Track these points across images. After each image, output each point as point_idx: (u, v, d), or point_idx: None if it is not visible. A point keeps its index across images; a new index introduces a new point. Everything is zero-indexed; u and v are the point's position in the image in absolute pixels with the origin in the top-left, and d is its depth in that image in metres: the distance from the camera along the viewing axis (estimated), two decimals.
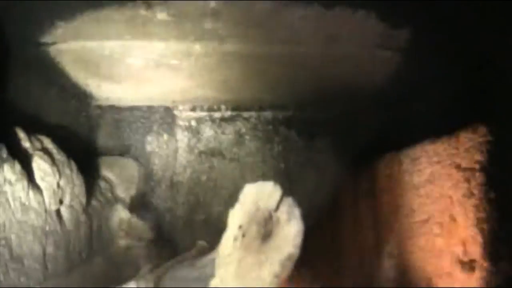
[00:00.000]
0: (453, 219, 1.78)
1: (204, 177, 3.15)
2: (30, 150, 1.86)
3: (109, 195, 2.59)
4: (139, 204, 2.77)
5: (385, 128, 2.73)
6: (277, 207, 1.59)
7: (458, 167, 1.75)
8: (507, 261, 1.49)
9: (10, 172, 1.64)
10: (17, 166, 1.69)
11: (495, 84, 1.62)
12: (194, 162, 3.16)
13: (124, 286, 1.80)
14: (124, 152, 3.02)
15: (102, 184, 2.60)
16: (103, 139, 3.00)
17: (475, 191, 1.63)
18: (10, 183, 1.63)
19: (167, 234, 2.98)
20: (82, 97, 2.76)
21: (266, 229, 1.56)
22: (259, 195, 1.61)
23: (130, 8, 1.71)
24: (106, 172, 2.73)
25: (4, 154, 1.63)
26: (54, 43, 2.04)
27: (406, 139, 2.27)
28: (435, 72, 2.05)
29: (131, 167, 2.89)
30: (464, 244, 1.69)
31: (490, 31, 1.60)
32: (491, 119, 1.59)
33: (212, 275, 1.60)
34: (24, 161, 1.77)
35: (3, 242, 1.60)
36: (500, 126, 1.55)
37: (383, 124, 2.75)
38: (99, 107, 2.97)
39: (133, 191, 2.78)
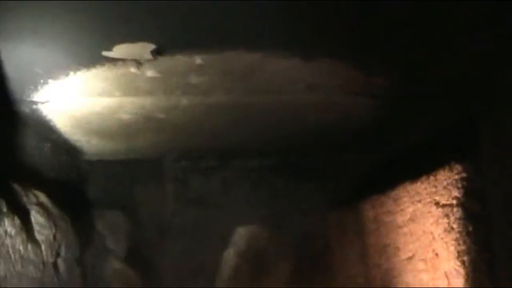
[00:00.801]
0: (436, 254, 1.87)
1: (191, 225, 3.20)
2: (27, 205, 1.92)
3: (101, 247, 2.64)
4: (129, 254, 2.81)
5: (367, 170, 2.83)
6: (267, 248, 1.67)
7: (437, 204, 1.84)
8: None
9: (10, 225, 1.70)
10: (17, 220, 1.75)
11: (468, 125, 1.72)
12: (181, 210, 3.22)
13: None
14: (113, 203, 3.08)
15: (94, 236, 2.65)
16: (92, 192, 3.06)
17: (454, 226, 1.72)
18: (10, 236, 1.69)
19: (156, 283, 3.01)
20: (72, 152, 2.83)
21: (257, 269, 1.64)
22: (250, 235, 1.69)
23: (121, 66, 1.78)
24: (97, 225, 2.78)
25: (4, 208, 1.69)
26: (46, 101, 2.10)
27: (388, 180, 2.38)
28: (412, 116, 2.15)
29: (120, 219, 2.95)
30: (447, 277, 1.77)
31: (465, 79, 1.71)
32: (466, 158, 1.69)
33: None
34: (22, 215, 1.83)
35: None
36: (474, 164, 1.65)
37: (366, 167, 2.86)
38: (89, 162, 3.04)
39: (123, 242, 2.83)
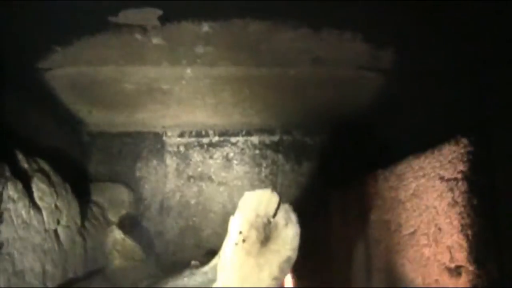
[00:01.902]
0: (438, 228, 1.86)
1: (193, 201, 3.21)
2: (29, 171, 1.91)
3: (101, 218, 2.64)
4: (130, 228, 2.82)
5: (371, 147, 2.82)
6: (275, 213, 1.67)
7: (442, 178, 1.83)
8: (492, 263, 1.56)
9: (13, 190, 1.69)
10: (19, 185, 1.74)
11: (477, 99, 1.71)
12: (183, 186, 3.22)
13: None
14: (114, 177, 3.08)
15: (94, 208, 2.65)
16: (93, 165, 3.06)
17: (459, 200, 1.70)
18: (13, 200, 1.68)
19: (157, 256, 3.02)
20: (74, 123, 2.82)
21: (265, 234, 1.64)
22: (258, 202, 1.69)
23: (126, 33, 1.77)
24: (97, 197, 2.78)
25: (8, 173, 1.69)
26: (49, 69, 2.09)
27: (392, 156, 2.37)
28: (418, 91, 2.14)
29: (121, 192, 2.95)
30: (450, 251, 1.76)
31: (471, 51, 1.70)
32: (472, 131, 1.68)
33: (214, 280, 1.67)
34: (25, 180, 1.82)
35: (6, 257, 1.64)
36: (480, 138, 1.64)
37: (369, 144, 2.85)
38: (90, 133, 3.04)
39: (123, 215, 2.83)
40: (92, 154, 3.07)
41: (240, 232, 1.65)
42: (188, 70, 2.12)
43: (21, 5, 1.57)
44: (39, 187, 1.91)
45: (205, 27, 1.73)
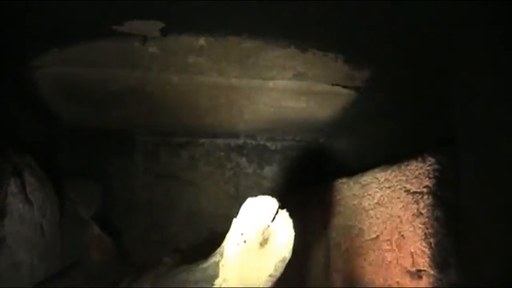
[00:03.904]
0: (402, 235, 2.04)
1: (160, 199, 3.32)
2: (20, 166, 1.99)
3: (75, 213, 2.71)
4: (100, 223, 2.90)
5: (335, 157, 3.00)
6: (274, 218, 1.85)
7: (407, 191, 2.02)
8: (452, 268, 1.76)
9: (14, 185, 1.78)
10: (18, 180, 1.83)
11: (442, 119, 1.90)
12: (151, 184, 3.33)
13: None
14: (85, 173, 3.14)
15: (68, 203, 2.72)
16: (65, 160, 3.11)
17: (423, 211, 1.89)
18: (13, 195, 1.77)
19: (124, 252, 3.11)
20: (50, 119, 2.86)
21: (263, 236, 1.81)
22: (259, 206, 1.85)
23: (125, 40, 1.87)
24: (70, 192, 2.85)
25: (10, 168, 1.77)
26: (40, 67, 2.14)
27: (357, 167, 2.54)
28: (386, 107, 2.32)
29: (92, 188, 3.02)
30: (412, 256, 1.94)
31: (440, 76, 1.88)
32: (439, 150, 1.87)
33: (215, 276, 1.82)
34: (19, 175, 1.90)
35: (5, 250, 1.73)
36: (446, 156, 1.82)
37: (334, 154, 3.03)
38: (63, 129, 3.08)
39: (94, 211, 2.91)
40: (65, 150, 3.12)
41: (242, 234, 1.81)
42: (175, 78, 2.23)
43: (27, 5, 1.62)
44: (30, 181, 1.99)
45: (202, 41, 1.85)
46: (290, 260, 3.02)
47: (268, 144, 3.43)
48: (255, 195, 3.34)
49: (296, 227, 1.98)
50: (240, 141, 3.43)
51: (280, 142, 3.41)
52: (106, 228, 2.96)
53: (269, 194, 3.32)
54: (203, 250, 2.22)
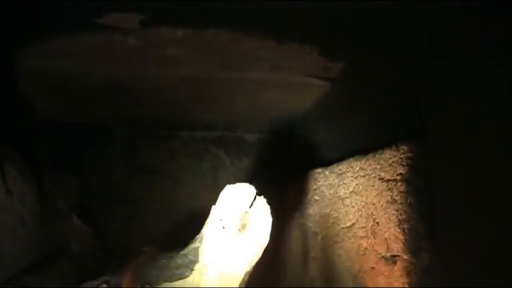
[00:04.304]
0: (376, 222, 2.10)
1: (139, 191, 3.35)
2: (1, 158, 2.01)
3: (54, 205, 2.73)
4: (80, 216, 2.92)
5: (311, 147, 3.05)
6: (251, 204, 1.91)
7: (381, 179, 2.08)
8: (425, 253, 1.82)
9: None
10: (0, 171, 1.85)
11: (415, 109, 1.96)
12: (129, 177, 3.35)
13: (98, 282, 2.00)
14: (64, 166, 3.15)
15: (47, 195, 2.74)
16: (43, 153, 3.12)
17: (397, 198, 1.95)
18: None
19: (104, 243, 3.14)
20: (28, 112, 2.87)
21: (242, 222, 1.87)
22: (237, 193, 1.91)
23: (105, 33, 1.89)
24: (49, 185, 2.86)
25: None
26: (19, 59, 2.15)
27: (332, 156, 2.60)
28: (361, 98, 2.38)
29: (71, 181, 3.04)
30: (387, 242, 2.01)
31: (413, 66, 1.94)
32: (412, 138, 1.93)
33: (195, 261, 1.87)
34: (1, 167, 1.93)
35: None
36: (420, 144, 1.89)
37: (309, 144, 3.08)
38: (42, 122, 3.09)
39: (74, 204, 2.93)
40: (44, 142, 3.13)
41: (221, 220, 1.86)
42: (153, 70, 2.25)
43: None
44: (11, 173, 2.01)
45: (180, 33, 1.88)
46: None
47: (246, 136, 3.48)
48: None
49: (273, 213, 2.04)
50: (218, 133, 3.47)
51: (258, 134, 3.45)
52: (86, 220, 2.99)
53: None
54: (182, 241, 2.26)
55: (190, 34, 1.90)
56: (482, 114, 1.50)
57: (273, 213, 3.14)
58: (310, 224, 2.80)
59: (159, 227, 3.27)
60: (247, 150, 3.49)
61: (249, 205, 1.92)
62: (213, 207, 1.93)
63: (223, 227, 1.86)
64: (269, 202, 2.02)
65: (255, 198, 1.96)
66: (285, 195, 3.09)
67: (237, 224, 1.88)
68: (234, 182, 3.40)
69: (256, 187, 3.32)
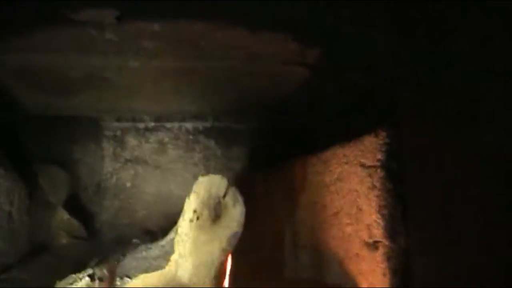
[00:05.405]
0: (359, 209, 2.11)
1: (128, 184, 3.35)
2: None
3: (42, 199, 2.74)
4: (69, 208, 2.93)
5: (296, 134, 3.05)
6: (225, 195, 1.91)
7: (363, 165, 2.08)
8: (402, 237, 1.83)
9: None
10: None
11: (391, 94, 1.96)
12: (119, 169, 3.36)
13: (82, 275, 2.01)
14: (51, 160, 3.16)
15: (35, 189, 2.75)
16: (31, 147, 3.13)
17: (377, 184, 1.96)
18: None
19: (93, 235, 3.15)
20: (11, 106, 2.88)
21: (216, 212, 1.88)
22: (210, 185, 1.91)
23: (82, 28, 1.89)
24: (37, 179, 2.87)
25: None
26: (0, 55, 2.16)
27: (318, 143, 2.60)
28: (340, 84, 2.37)
29: (59, 174, 3.05)
30: (369, 228, 2.01)
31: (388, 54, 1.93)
32: (390, 125, 1.93)
33: (171, 252, 1.89)
34: None
35: None
36: (396, 131, 1.89)
37: (295, 131, 3.08)
38: (26, 116, 3.09)
39: (63, 197, 2.94)
40: (29, 136, 3.14)
41: (195, 211, 1.87)
42: (133, 61, 2.25)
43: None
44: None
45: (156, 26, 1.88)
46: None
47: (235, 125, 3.47)
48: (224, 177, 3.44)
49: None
50: (208, 124, 3.46)
51: (246, 123, 3.44)
52: (75, 213, 3.00)
53: (238, 175, 3.42)
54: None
55: (165, 27, 1.90)
56: (455, 100, 1.50)
57: (262, 200, 3.17)
58: (299, 212, 2.79)
59: (150, 218, 3.28)
60: (236, 139, 3.47)
61: (222, 196, 1.93)
62: (187, 199, 1.95)
63: (197, 218, 1.87)
64: (247, 191, 2.03)
65: (227, 188, 1.96)
66: (275, 184, 3.09)
67: (211, 215, 1.88)
68: (225, 172, 3.45)
69: (246, 176, 3.36)
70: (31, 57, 2.21)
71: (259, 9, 1.79)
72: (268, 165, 3.23)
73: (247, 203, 2.00)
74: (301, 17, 1.84)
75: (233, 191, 1.96)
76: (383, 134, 1.94)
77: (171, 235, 1.98)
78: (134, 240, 2.50)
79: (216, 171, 3.39)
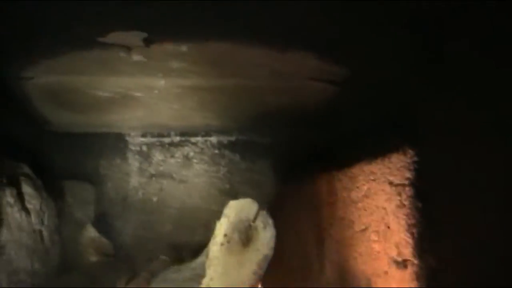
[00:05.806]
0: (388, 227, 2.10)
1: (154, 198, 3.38)
2: (16, 176, 2.05)
3: (70, 216, 2.78)
4: (97, 224, 2.96)
5: (323, 149, 3.04)
6: (255, 218, 1.92)
7: (391, 183, 2.07)
8: (432, 257, 1.82)
9: (10, 195, 1.85)
10: (14, 190, 1.89)
11: (421, 116, 1.95)
12: (145, 184, 3.38)
13: None
14: (78, 176, 3.20)
15: (64, 206, 2.79)
16: (59, 164, 3.17)
17: (406, 203, 1.94)
18: (10, 205, 1.84)
19: (120, 251, 3.17)
20: (42, 125, 2.92)
21: (246, 236, 1.89)
22: (240, 208, 1.93)
23: (110, 51, 1.92)
24: (65, 196, 2.91)
25: (5, 179, 1.83)
26: (31, 78, 2.21)
27: (345, 159, 2.59)
28: (368, 102, 2.37)
29: (87, 190, 3.08)
30: (398, 247, 2.00)
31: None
32: (416, 143, 1.92)
33: (202, 275, 1.90)
34: (16, 185, 1.97)
35: (5, 257, 1.80)
36: (424, 150, 1.88)
37: (322, 147, 3.07)
38: (56, 134, 3.14)
39: (90, 213, 2.97)
40: (58, 153, 3.18)
41: (225, 235, 1.88)
42: (162, 82, 2.28)
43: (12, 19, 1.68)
44: (27, 191, 2.06)
45: (184, 48, 1.90)
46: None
47: (259, 139, 3.47)
48: (249, 191, 3.45)
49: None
50: (233, 138, 3.48)
51: (270, 137, 3.45)
52: (102, 228, 3.02)
53: (261, 188, 3.43)
54: (199, 246, 2.28)
55: (192, 48, 1.92)
56: (482, 117, 1.50)
57: (288, 214, 3.17)
58: (326, 227, 2.79)
59: (174, 233, 3.30)
60: (261, 153, 3.48)
61: (253, 219, 1.94)
62: (217, 223, 1.96)
63: (228, 242, 1.88)
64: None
65: (258, 212, 1.97)
66: (299, 197, 3.09)
67: (241, 238, 1.90)
68: (249, 186, 3.46)
69: (271, 191, 3.37)
70: (61, 78, 2.26)
71: (285, 29, 1.80)
72: (293, 179, 3.23)
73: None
74: (326, 36, 1.85)
75: (263, 214, 1.97)
76: (410, 152, 1.93)
77: (201, 258, 2.00)
78: (162, 257, 2.52)
79: (240, 185, 3.43)
